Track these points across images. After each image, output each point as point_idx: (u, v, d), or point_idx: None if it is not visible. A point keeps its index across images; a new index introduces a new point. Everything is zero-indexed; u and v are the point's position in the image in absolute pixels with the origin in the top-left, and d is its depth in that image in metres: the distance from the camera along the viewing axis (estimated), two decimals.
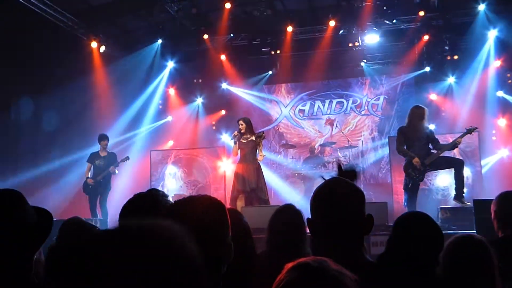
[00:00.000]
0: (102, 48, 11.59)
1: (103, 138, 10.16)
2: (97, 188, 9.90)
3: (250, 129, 8.58)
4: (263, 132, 8.70)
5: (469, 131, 7.81)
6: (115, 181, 11.37)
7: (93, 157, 10.10)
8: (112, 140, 11.95)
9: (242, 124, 8.56)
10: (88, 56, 11.54)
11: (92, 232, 2.74)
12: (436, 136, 8.17)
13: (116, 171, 10.06)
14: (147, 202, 1.96)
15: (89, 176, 10.00)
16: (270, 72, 13.01)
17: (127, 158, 10.23)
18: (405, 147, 7.82)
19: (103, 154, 10.10)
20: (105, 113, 11.93)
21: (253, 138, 8.46)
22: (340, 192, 1.82)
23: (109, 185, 10.04)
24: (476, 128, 8.03)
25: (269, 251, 3.14)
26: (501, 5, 10.86)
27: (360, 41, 12.02)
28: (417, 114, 7.81)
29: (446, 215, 7.23)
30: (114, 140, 12.08)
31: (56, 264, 2.56)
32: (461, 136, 7.79)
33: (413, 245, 2.42)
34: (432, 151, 7.85)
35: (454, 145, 7.87)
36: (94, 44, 11.45)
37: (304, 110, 13.27)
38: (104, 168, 9.94)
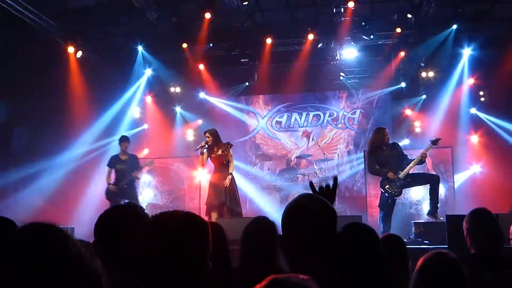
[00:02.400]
0: (79, 53, 11.46)
1: (124, 139, 9.60)
2: (122, 194, 9.34)
3: (217, 140, 8.55)
4: (228, 142, 8.64)
5: (434, 143, 7.94)
6: (88, 189, 11.23)
7: (114, 161, 9.54)
8: (86, 147, 11.81)
9: (208, 137, 8.54)
10: (65, 61, 11.38)
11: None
12: (411, 151, 8.29)
13: (140, 176, 9.55)
14: (124, 215, 1.91)
15: (110, 182, 9.46)
16: (247, 83, 13.02)
17: (152, 162, 9.71)
18: (377, 167, 7.96)
19: (124, 157, 9.53)
20: (80, 119, 11.76)
21: (220, 152, 8.44)
22: (310, 210, 1.80)
23: (135, 190, 9.55)
24: (440, 139, 8.12)
25: (242, 265, 3.10)
26: (475, 24, 11.11)
27: (338, 55, 12.14)
28: (378, 135, 8.01)
29: (419, 230, 7.29)
30: (88, 146, 11.94)
31: None
32: (426, 150, 7.93)
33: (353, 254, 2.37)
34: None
35: (420, 160, 7.93)
36: (71, 49, 11.31)
37: (281, 122, 13.31)
38: (127, 172, 9.43)
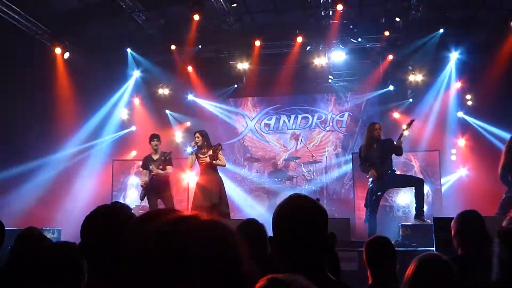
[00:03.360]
0: (67, 55, 11.37)
1: (152, 137, 9.07)
2: (153, 190, 8.86)
3: (206, 141, 8.53)
4: (219, 144, 8.61)
5: (408, 125, 7.95)
6: (75, 190, 11.14)
7: (147, 162, 9.04)
8: (73, 148, 11.71)
9: (198, 137, 8.53)
10: (52, 62, 11.29)
11: (47, 244, 2.64)
12: None
13: (168, 169, 8.84)
14: (110, 214, 1.89)
15: (144, 182, 8.97)
16: (236, 86, 13.01)
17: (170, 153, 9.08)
18: (367, 164, 7.96)
19: (156, 156, 8.97)
20: (68, 121, 11.65)
21: (210, 152, 8.42)
22: (303, 209, 1.79)
23: (164, 185, 8.90)
24: (413, 120, 8.13)
25: None
26: (463, 28, 11.21)
27: (326, 58, 12.17)
28: (368, 131, 8.05)
29: (406, 232, 7.32)
30: (76, 148, 11.85)
31: (13, 274, 2.46)
32: (402, 135, 7.89)
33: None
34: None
35: (398, 147, 7.90)
36: (58, 50, 11.22)
37: (269, 124, 13.31)
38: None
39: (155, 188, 8.84)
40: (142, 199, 9.10)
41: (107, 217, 1.87)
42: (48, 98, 11.34)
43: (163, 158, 8.86)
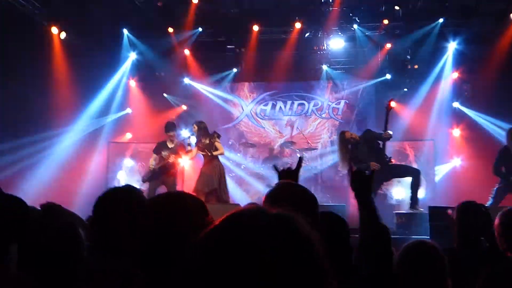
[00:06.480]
0: (63, 35, 11.25)
1: (170, 128, 9.13)
2: (158, 175, 8.98)
3: (204, 132, 8.61)
4: (214, 132, 8.68)
5: (388, 108, 7.93)
6: (68, 172, 11.08)
7: (160, 148, 9.11)
8: (69, 129, 11.65)
9: (195, 127, 8.67)
10: (48, 42, 11.17)
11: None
12: (395, 143, 8.32)
13: (171, 158, 8.89)
14: (121, 197, 1.89)
15: (151, 166, 9.08)
16: (234, 70, 12.97)
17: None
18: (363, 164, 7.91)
19: (170, 145, 9.07)
20: (62, 102, 11.55)
21: (207, 141, 8.52)
22: (291, 194, 1.86)
23: (170, 173, 8.97)
24: (391, 100, 8.11)
25: None
26: (461, 19, 11.20)
27: (325, 44, 12.14)
28: (342, 141, 8.01)
29: (401, 221, 7.38)
30: (71, 129, 11.79)
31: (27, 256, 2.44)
32: (386, 124, 7.88)
33: None
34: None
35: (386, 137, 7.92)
36: (54, 30, 11.10)
37: (265, 110, 13.29)
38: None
39: (161, 174, 8.92)
40: (144, 181, 9.15)
41: (118, 199, 1.87)
42: (43, 78, 11.23)
43: (178, 150, 8.91)
